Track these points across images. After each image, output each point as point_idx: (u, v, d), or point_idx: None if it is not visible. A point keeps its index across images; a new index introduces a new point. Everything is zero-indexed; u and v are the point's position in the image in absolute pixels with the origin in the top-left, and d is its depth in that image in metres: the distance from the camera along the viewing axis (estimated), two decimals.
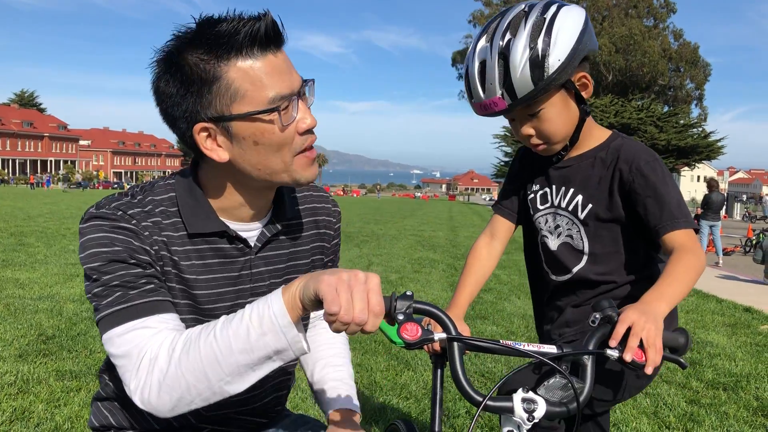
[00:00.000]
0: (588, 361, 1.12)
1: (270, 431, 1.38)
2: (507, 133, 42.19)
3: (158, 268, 1.12)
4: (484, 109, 1.47)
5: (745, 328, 6.13)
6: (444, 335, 1.10)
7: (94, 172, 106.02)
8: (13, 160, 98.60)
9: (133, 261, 1.08)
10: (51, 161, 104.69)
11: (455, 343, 1.10)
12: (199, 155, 1.13)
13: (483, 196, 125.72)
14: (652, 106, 38.94)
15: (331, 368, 1.40)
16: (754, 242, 15.58)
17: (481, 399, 1.07)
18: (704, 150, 37.86)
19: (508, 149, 44.84)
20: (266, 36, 1.03)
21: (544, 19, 1.38)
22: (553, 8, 1.40)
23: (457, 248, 12.94)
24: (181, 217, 1.15)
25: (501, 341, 1.12)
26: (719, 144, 38.65)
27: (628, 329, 1.14)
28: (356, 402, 1.38)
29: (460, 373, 1.09)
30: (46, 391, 3.42)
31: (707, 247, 13.09)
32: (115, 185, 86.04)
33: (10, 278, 6.89)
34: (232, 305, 1.19)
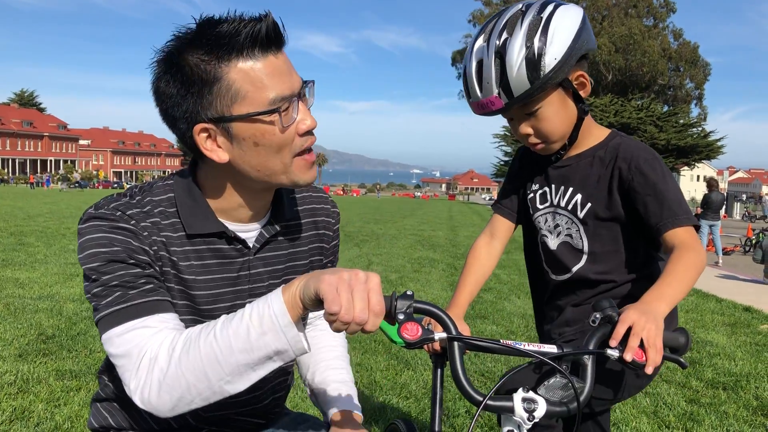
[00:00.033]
0: (588, 361, 1.12)
1: (269, 431, 1.38)
2: (507, 133, 42.17)
3: (157, 268, 1.12)
4: (481, 108, 1.48)
5: (744, 328, 6.13)
6: (444, 335, 1.10)
7: (94, 172, 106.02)
8: (13, 160, 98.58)
9: (132, 261, 1.08)
10: (51, 161, 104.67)
11: (455, 343, 1.10)
12: (199, 156, 1.13)
13: (483, 196, 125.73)
14: (651, 105, 38.93)
15: (333, 370, 1.40)
16: (753, 242, 15.58)
17: (481, 398, 1.07)
18: (704, 149, 37.87)
19: (508, 149, 44.83)
20: (267, 37, 1.03)
21: (541, 18, 1.38)
22: (550, 7, 1.40)
23: (456, 248, 12.94)
24: (179, 217, 1.15)
25: (501, 341, 1.12)
26: (719, 143, 38.65)
27: (629, 329, 1.14)
28: (358, 403, 1.38)
29: (460, 372, 1.09)
30: (46, 391, 3.42)
31: (707, 246, 13.09)
32: (115, 185, 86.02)
33: (10, 278, 6.89)
34: (230, 306, 1.19)
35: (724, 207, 17.18)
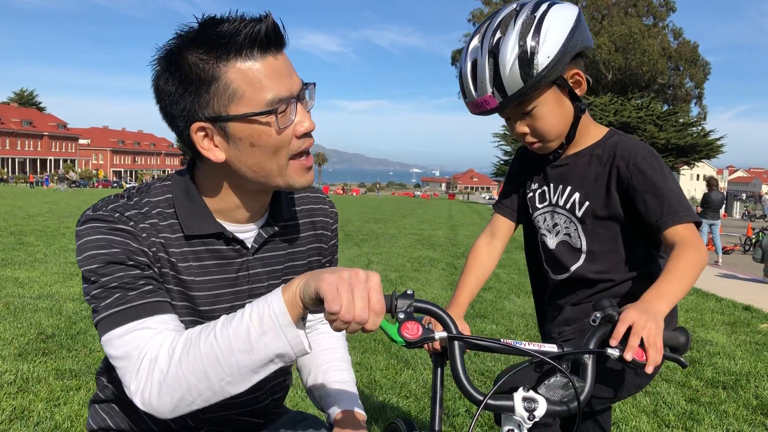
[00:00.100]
0: (589, 360, 1.12)
1: (270, 430, 1.38)
2: (506, 132, 42.14)
3: (156, 269, 1.11)
4: (476, 107, 1.48)
5: (744, 327, 6.13)
6: (444, 334, 1.10)
7: (94, 171, 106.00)
8: (13, 159, 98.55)
9: (131, 262, 1.07)
10: (50, 160, 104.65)
11: (456, 342, 1.10)
12: (197, 155, 1.13)
13: (482, 195, 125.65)
14: (651, 104, 38.94)
15: (334, 371, 1.40)
16: (753, 241, 15.59)
17: (481, 398, 1.07)
18: (704, 149, 37.88)
19: (508, 148, 44.83)
20: (266, 38, 1.03)
21: (534, 17, 1.39)
22: (543, 6, 1.40)
23: (456, 247, 12.94)
24: (177, 218, 1.15)
25: (501, 340, 1.12)
26: (719, 143, 38.67)
27: (629, 328, 1.14)
28: (360, 403, 1.37)
29: (460, 371, 1.09)
30: (45, 390, 3.42)
31: (707, 245, 13.10)
32: (115, 184, 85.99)
33: (10, 277, 6.88)
34: (230, 306, 1.19)
35: (723, 206, 17.19)
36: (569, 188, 1.60)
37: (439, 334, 1.09)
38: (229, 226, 1.18)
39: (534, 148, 1.57)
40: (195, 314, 1.17)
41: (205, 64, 1.03)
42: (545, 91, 1.45)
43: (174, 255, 1.14)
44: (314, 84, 1.13)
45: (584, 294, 1.63)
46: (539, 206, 1.68)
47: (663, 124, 37.01)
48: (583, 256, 1.60)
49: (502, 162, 48.07)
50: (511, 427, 1.10)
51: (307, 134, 1.11)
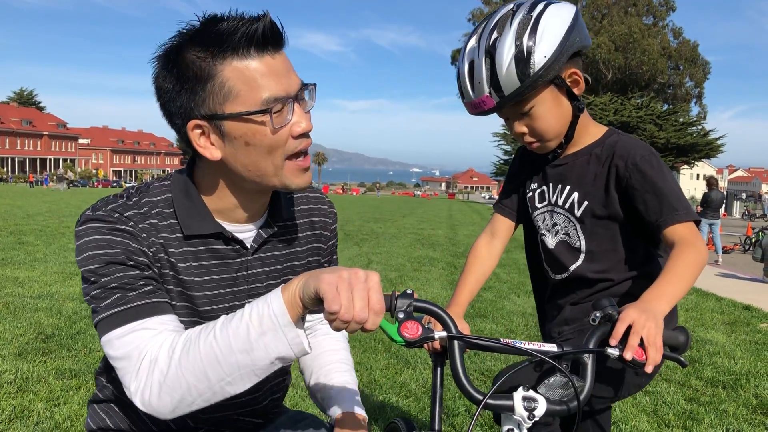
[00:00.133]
0: (588, 360, 1.12)
1: (269, 430, 1.38)
2: (506, 132, 42.08)
3: (156, 270, 1.11)
4: (474, 108, 1.48)
5: (744, 326, 6.13)
6: (444, 333, 1.10)
7: (93, 171, 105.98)
8: (12, 159, 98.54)
9: (131, 263, 1.07)
10: (50, 160, 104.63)
11: (455, 342, 1.10)
12: (195, 152, 1.13)
13: (482, 195, 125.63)
14: (651, 104, 38.91)
15: (336, 373, 1.40)
16: (753, 240, 15.58)
17: (481, 397, 1.07)
18: (703, 148, 37.86)
19: (508, 147, 44.82)
20: (263, 37, 1.03)
21: (531, 17, 1.39)
22: (540, 6, 1.40)
23: (456, 246, 12.94)
24: (177, 218, 1.15)
25: (501, 339, 1.12)
26: (718, 142, 38.65)
27: (629, 328, 1.14)
28: (361, 405, 1.37)
29: (460, 371, 1.09)
30: (45, 390, 3.42)
31: (707, 245, 13.09)
32: (114, 184, 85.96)
33: (10, 277, 6.88)
34: (229, 307, 1.18)
35: (723, 206, 17.18)
36: (568, 188, 1.60)
37: (439, 333, 1.08)
38: (229, 226, 1.18)
39: (533, 147, 1.57)
40: (194, 314, 1.16)
41: (202, 62, 1.03)
42: (543, 91, 1.44)
43: (173, 255, 1.13)
44: (314, 85, 1.13)
45: (584, 293, 1.63)
46: (538, 206, 1.68)
47: (663, 123, 37.00)
48: (582, 256, 1.60)
49: (501, 161, 48.06)
50: (510, 427, 1.10)
51: (304, 135, 1.10)
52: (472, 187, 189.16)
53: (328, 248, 1.40)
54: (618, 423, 3.37)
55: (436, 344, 1.36)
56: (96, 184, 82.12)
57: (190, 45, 1.03)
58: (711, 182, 12.73)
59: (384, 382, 3.85)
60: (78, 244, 1.08)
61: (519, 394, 1.07)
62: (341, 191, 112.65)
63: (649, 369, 1.13)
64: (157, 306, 1.08)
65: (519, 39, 1.38)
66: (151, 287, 1.09)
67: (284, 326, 0.95)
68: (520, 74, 1.38)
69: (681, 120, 38.92)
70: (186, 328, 1.08)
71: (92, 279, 1.06)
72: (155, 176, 1.29)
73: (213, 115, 1.05)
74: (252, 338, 0.95)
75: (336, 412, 1.33)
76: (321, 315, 0.92)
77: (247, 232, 1.21)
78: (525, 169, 1.73)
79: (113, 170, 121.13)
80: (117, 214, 1.09)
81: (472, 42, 1.46)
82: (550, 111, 1.48)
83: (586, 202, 1.56)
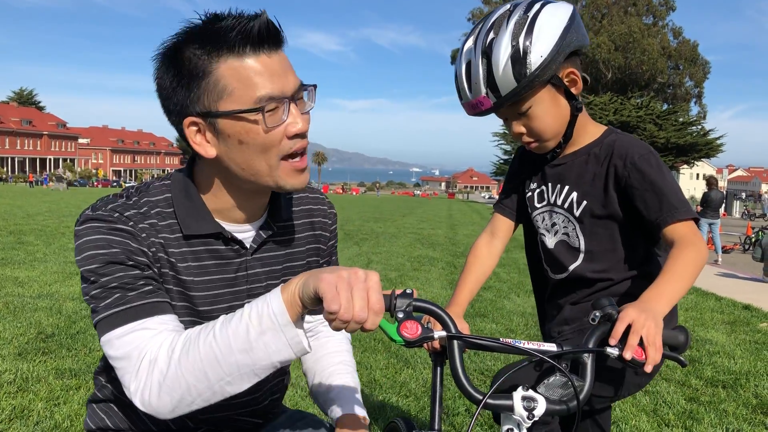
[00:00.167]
0: (588, 360, 1.12)
1: (268, 429, 1.38)
2: (506, 131, 42.08)
3: (156, 269, 1.11)
4: (472, 108, 1.48)
5: (744, 326, 6.13)
6: (444, 333, 1.10)
7: (93, 171, 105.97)
8: (12, 159, 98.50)
9: (131, 262, 1.07)
10: (50, 159, 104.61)
11: (455, 341, 1.10)
12: (194, 150, 1.13)
13: (482, 194, 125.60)
14: (651, 103, 38.88)
15: (338, 375, 1.39)
16: (753, 240, 15.57)
17: (481, 397, 1.07)
18: (703, 148, 37.84)
19: (508, 147, 44.80)
20: (259, 35, 1.03)
21: (527, 17, 1.39)
22: (536, 6, 1.40)
23: (456, 246, 12.94)
24: (176, 218, 1.15)
25: (501, 339, 1.12)
26: (718, 142, 38.61)
27: (628, 327, 1.14)
28: (363, 406, 1.37)
29: (459, 371, 1.09)
30: (45, 390, 3.42)
31: (707, 244, 13.08)
32: (114, 183, 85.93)
33: (10, 276, 6.88)
34: (229, 307, 1.18)
35: (723, 205, 17.17)
36: (567, 187, 1.60)
37: (438, 333, 1.08)
38: (228, 226, 1.18)
39: (531, 147, 1.57)
40: (194, 314, 1.16)
41: (198, 59, 1.03)
42: (540, 91, 1.44)
43: (173, 255, 1.13)
44: (314, 86, 1.12)
45: (583, 293, 1.63)
46: (538, 206, 1.68)
47: (663, 123, 36.98)
48: (581, 256, 1.60)
49: (501, 161, 48.05)
50: (510, 426, 1.10)
51: (300, 136, 1.09)
52: (471, 187, 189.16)
53: (328, 249, 1.40)
54: (618, 422, 3.37)
55: (436, 344, 1.36)
56: (96, 183, 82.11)
57: (188, 42, 1.04)
58: (711, 182, 12.73)
59: (384, 382, 3.85)
60: (78, 244, 1.08)
61: (518, 393, 1.07)
62: (341, 191, 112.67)
63: (648, 368, 1.12)
64: (157, 306, 1.08)
65: (515, 39, 1.38)
66: (150, 287, 1.09)
67: (284, 326, 0.95)
68: (517, 74, 1.38)
69: (681, 120, 38.90)
70: (185, 328, 1.08)
71: (92, 279, 1.06)
72: (155, 176, 1.28)
73: (207, 113, 1.05)
74: (251, 338, 0.95)
75: (337, 413, 1.33)
76: (322, 317, 0.92)
77: (246, 232, 1.21)
78: (525, 168, 1.73)
79: (113, 170, 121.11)
80: (117, 214, 1.09)
81: (469, 43, 1.46)
82: (547, 111, 1.48)
83: (585, 202, 1.56)
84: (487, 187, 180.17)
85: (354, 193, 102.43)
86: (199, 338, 0.99)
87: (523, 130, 1.51)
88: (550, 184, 1.64)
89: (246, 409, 1.31)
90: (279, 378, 1.38)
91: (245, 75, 1.03)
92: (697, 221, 1.45)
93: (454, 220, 24.24)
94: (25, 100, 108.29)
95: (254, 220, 1.22)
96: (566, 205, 1.60)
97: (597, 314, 1.16)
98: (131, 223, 1.10)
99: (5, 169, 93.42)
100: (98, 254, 1.06)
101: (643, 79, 51.04)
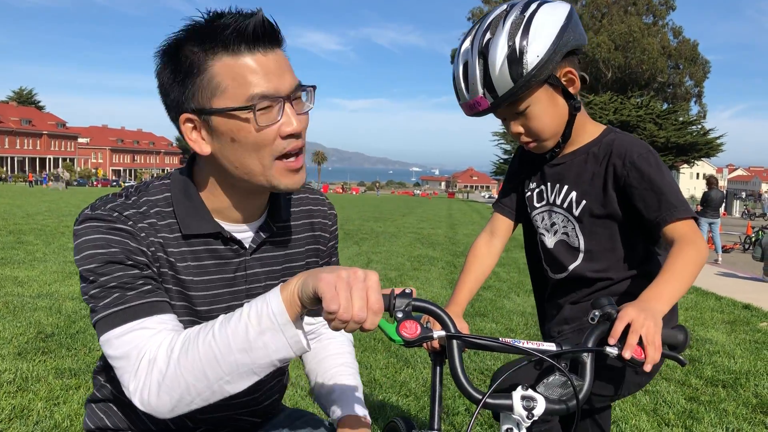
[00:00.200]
0: (587, 359, 1.12)
1: (267, 429, 1.38)
2: (506, 131, 42.08)
3: (155, 269, 1.11)
4: (470, 109, 1.48)
5: (744, 326, 6.13)
6: (443, 333, 1.10)
7: (93, 170, 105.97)
8: (12, 158, 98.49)
9: (130, 262, 1.07)
10: (49, 159, 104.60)
11: (454, 341, 1.10)
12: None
13: (482, 194, 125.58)
14: (651, 103, 38.90)
15: (340, 376, 1.39)
16: (753, 239, 15.57)
17: (480, 396, 1.06)
18: (703, 147, 37.86)
19: (507, 147, 44.83)
20: (254, 34, 1.02)
21: (524, 16, 1.39)
22: (533, 6, 1.40)
23: (456, 246, 12.94)
24: (176, 218, 1.14)
25: (500, 339, 1.12)
26: (718, 141, 38.64)
27: (628, 326, 1.14)
28: (365, 408, 1.37)
29: (459, 370, 1.09)
30: (45, 389, 3.42)
31: (707, 244, 13.08)
32: (114, 183, 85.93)
33: (9, 276, 6.88)
34: (228, 306, 1.18)
35: (723, 205, 17.17)
36: (566, 187, 1.60)
37: (438, 333, 1.08)
38: (227, 226, 1.18)
39: (530, 147, 1.57)
40: (193, 314, 1.16)
41: (195, 56, 1.03)
42: (537, 91, 1.44)
43: (172, 255, 1.13)
44: (314, 87, 1.12)
45: (583, 293, 1.62)
46: (537, 205, 1.68)
47: (663, 122, 37.00)
48: (581, 255, 1.60)
49: (501, 161, 48.08)
50: (510, 426, 1.10)
51: (294, 136, 1.08)
52: (471, 186, 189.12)
53: (328, 250, 1.40)
54: (618, 422, 3.37)
55: (435, 343, 1.35)
56: (95, 183, 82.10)
57: (187, 40, 1.04)
58: (711, 181, 12.73)
59: (384, 382, 3.85)
60: (77, 243, 1.08)
61: (518, 393, 1.06)
62: (341, 190, 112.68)
63: (647, 368, 1.12)
64: (156, 305, 1.08)
65: (511, 39, 1.37)
66: (149, 287, 1.09)
67: (283, 325, 0.94)
68: (513, 74, 1.38)
69: (681, 119, 38.92)
70: (184, 328, 1.08)
71: (91, 278, 1.06)
72: (154, 175, 1.29)
73: (202, 110, 1.06)
74: (251, 337, 0.95)
75: (339, 413, 1.33)
76: (323, 317, 0.92)
77: (245, 232, 1.21)
78: (524, 168, 1.73)
79: (112, 169, 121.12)
80: (116, 213, 1.09)
81: (466, 43, 1.46)
82: (545, 111, 1.47)
83: (584, 202, 1.56)
84: (487, 187, 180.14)
85: (354, 193, 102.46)
86: (198, 338, 0.99)
87: (521, 130, 1.51)
88: (549, 184, 1.64)
89: (245, 408, 1.31)
90: (278, 378, 1.38)
91: (239, 73, 1.03)
92: (696, 220, 1.45)
93: (453, 219, 24.24)
94: (25, 99, 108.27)
95: (253, 220, 1.22)
96: (565, 205, 1.60)
97: (596, 313, 1.16)
98: (130, 222, 1.10)
99: (5, 168, 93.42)
100: (97, 254, 1.06)
101: (643, 79, 51.06)
